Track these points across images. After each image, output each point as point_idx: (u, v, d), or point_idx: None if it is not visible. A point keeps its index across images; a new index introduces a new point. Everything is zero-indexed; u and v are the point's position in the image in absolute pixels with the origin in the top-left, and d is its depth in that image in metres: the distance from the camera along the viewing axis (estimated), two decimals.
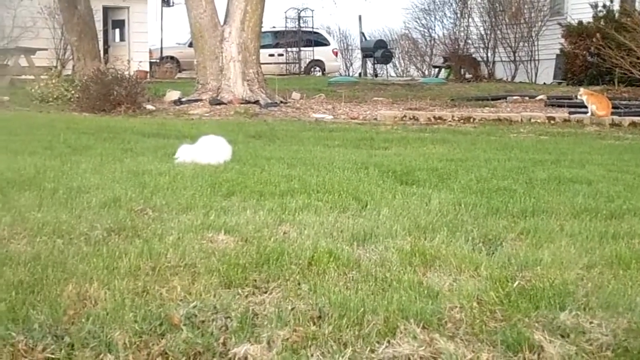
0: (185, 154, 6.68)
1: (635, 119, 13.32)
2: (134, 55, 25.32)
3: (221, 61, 15.76)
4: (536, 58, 24.67)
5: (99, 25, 22.48)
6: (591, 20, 20.91)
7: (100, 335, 2.70)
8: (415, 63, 33.21)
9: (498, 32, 25.52)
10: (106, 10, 26.62)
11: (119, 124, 10.94)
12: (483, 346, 2.76)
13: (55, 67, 20.83)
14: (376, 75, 30.16)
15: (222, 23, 16.00)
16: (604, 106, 13.59)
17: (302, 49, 30.07)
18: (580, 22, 21.53)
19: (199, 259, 3.50)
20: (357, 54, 34.01)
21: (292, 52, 30.04)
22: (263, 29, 18.07)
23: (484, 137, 10.78)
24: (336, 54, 32.14)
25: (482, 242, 3.98)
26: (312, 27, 31.12)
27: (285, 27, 30.37)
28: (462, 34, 26.91)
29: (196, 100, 15.57)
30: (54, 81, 15.47)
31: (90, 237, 3.85)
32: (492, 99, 17.35)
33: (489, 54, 25.85)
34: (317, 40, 30.73)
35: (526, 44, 24.83)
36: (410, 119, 13.72)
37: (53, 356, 2.61)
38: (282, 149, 8.35)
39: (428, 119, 13.64)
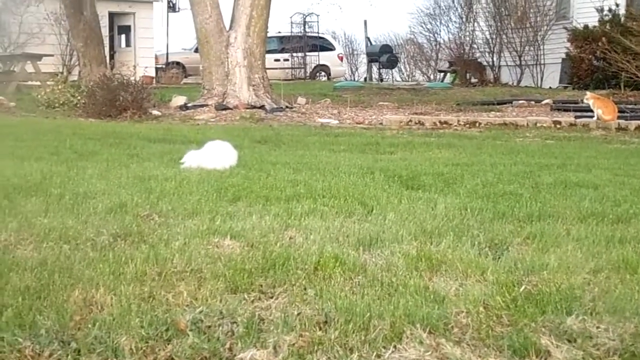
0: (192, 159, 6.69)
1: None
2: (140, 61, 25.40)
3: (227, 66, 15.79)
4: (542, 62, 24.65)
5: (105, 31, 22.57)
6: (597, 24, 20.89)
7: (106, 341, 2.70)
8: (421, 68, 33.20)
9: (504, 36, 25.52)
10: (112, 16, 26.72)
11: (125, 129, 10.96)
12: (490, 351, 2.75)
13: (62, 73, 20.90)
14: (381, 80, 30.15)
15: (227, 28, 16.04)
16: (610, 110, 13.57)
17: (307, 54, 30.11)
18: (586, 26, 21.51)
19: (205, 264, 3.50)
20: (363, 59, 34.03)
21: (297, 57, 30.08)
22: (268, 34, 18.10)
23: (489, 141, 10.77)
24: (341, 59, 32.17)
25: (488, 247, 3.98)
26: (318, 32, 31.16)
27: (291, 32, 30.42)
28: (467, 38, 26.92)
29: (202, 106, 15.60)
30: (60, 87, 15.53)
31: (97, 242, 3.85)
32: (498, 104, 17.34)
33: (495, 59, 25.84)
34: (322, 45, 30.76)
35: (532, 48, 24.81)
36: (416, 123, 13.72)
37: None
38: (288, 153, 8.35)
39: (434, 124, 13.64)
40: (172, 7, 30.11)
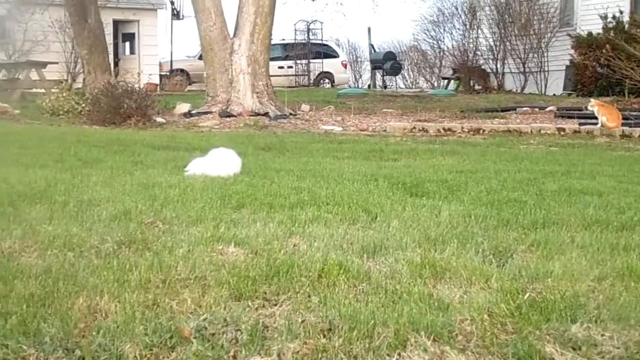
0: (196, 166, 6.70)
1: None
2: (144, 68, 25.46)
3: (231, 73, 15.81)
4: (546, 69, 24.65)
5: (110, 39, 22.64)
6: (601, 31, 20.88)
7: (110, 348, 2.70)
8: (425, 74, 33.21)
9: (507, 43, 25.51)
10: (116, 23, 26.82)
11: (129, 136, 10.98)
12: (494, 359, 2.75)
13: (66, 80, 20.99)
14: (385, 87, 30.18)
15: (231, 36, 16.07)
16: (614, 117, 13.56)
17: (311, 61, 30.16)
18: (589, 34, 21.51)
19: (209, 271, 3.50)
20: (366, 66, 34.06)
21: (301, 64, 30.14)
22: (272, 42, 18.13)
23: (493, 148, 10.77)
24: (345, 66, 32.21)
25: (492, 254, 3.97)
26: (321, 40, 31.22)
27: (295, 39, 30.48)
28: (471, 45, 26.90)
29: (206, 113, 15.62)
30: (64, 94, 15.56)
31: (101, 250, 3.86)
32: (502, 111, 17.33)
33: (499, 66, 25.84)
34: (326, 52, 30.82)
35: (535, 55, 24.81)
36: (420, 130, 13.72)
37: None
38: (292, 161, 8.36)
39: (437, 131, 13.63)
40: (176, 15, 30.19)
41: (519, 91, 24.68)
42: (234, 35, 16.05)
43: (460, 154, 9.44)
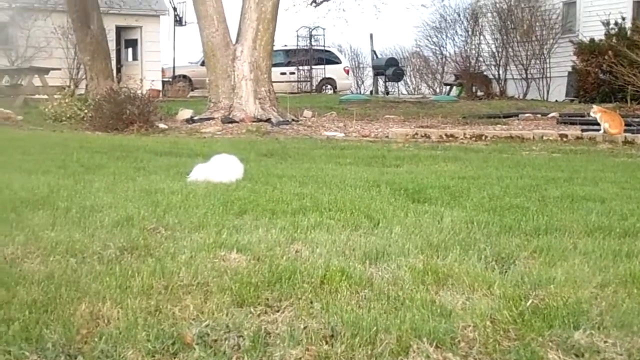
0: (198, 172, 6.71)
1: None
2: (147, 74, 25.48)
3: (233, 80, 15.83)
4: (548, 75, 24.67)
5: (112, 45, 22.67)
6: (603, 37, 20.91)
7: (113, 355, 2.70)
8: (427, 81, 33.26)
9: (509, 49, 25.54)
10: (119, 29, 26.85)
11: (132, 142, 10.99)
12: None
13: (69, 86, 21.01)
14: (387, 93, 30.19)
15: (234, 42, 16.10)
16: (616, 124, 13.56)
17: (313, 67, 30.19)
18: (592, 40, 21.53)
19: (211, 277, 3.50)
20: (369, 72, 34.09)
21: (303, 70, 30.17)
22: (275, 48, 18.16)
23: (496, 154, 10.76)
24: (347, 72, 32.24)
25: (495, 261, 3.97)
26: (324, 46, 31.25)
27: (297, 45, 30.52)
28: (473, 51, 26.96)
29: (208, 119, 15.63)
30: (67, 100, 15.59)
31: (103, 256, 3.86)
32: (504, 117, 17.34)
33: (501, 72, 25.86)
34: (328, 58, 30.85)
35: (538, 62, 24.84)
36: (422, 136, 13.73)
37: None
38: (294, 167, 8.36)
39: (440, 137, 13.64)
40: (178, 21, 30.24)
41: (521, 97, 24.70)
42: (237, 41, 16.08)
43: (463, 160, 9.44)
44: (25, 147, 9.46)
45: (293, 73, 29.85)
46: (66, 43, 23.96)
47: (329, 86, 30.78)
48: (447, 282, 3.56)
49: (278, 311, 3.15)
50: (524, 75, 25.05)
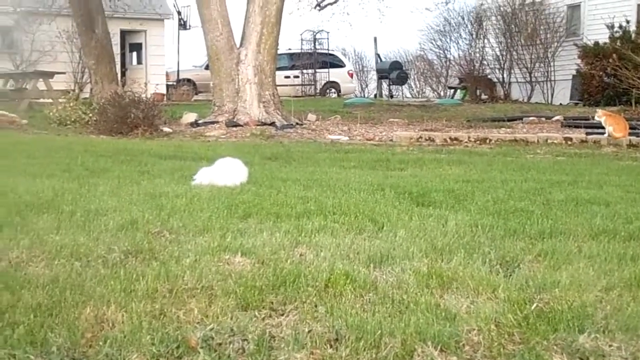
0: (203, 176, 6.72)
1: None
2: (151, 78, 25.55)
3: (237, 83, 15.85)
4: (552, 79, 24.65)
5: (117, 49, 22.70)
6: (607, 40, 20.88)
7: (117, 358, 2.71)
8: (431, 84, 33.24)
9: (514, 53, 25.54)
10: (124, 33, 26.92)
11: (136, 146, 11.00)
12: None
13: (73, 90, 21.07)
14: (392, 97, 30.20)
15: (238, 45, 16.12)
16: (621, 127, 13.54)
17: (317, 70, 30.20)
18: (596, 43, 21.51)
19: (215, 281, 3.50)
20: (373, 76, 34.09)
21: (307, 73, 30.17)
22: (279, 51, 18.18)
23: (500, 158, 10.75)
24: (351, 76, 32.24)
25: (499, 264, 3.97)
26: (328, 49, 31.26)
27: (301, 49, 30.53)
28: (477, 55, 26.94)
29: (212, 123, 15.65)
30: (71, 104, 15.62)
31: (108, 259, 3.86)
32: (508, 120, 17.33)
33: (505, 75, 25.85)
34: (332, 62, 30.85)
35: (542, 65, 24.82)
36: (426, 140, 13.72)
37: None
38: (298, 170, 8.36)
39: (444, 140, 13.63)
40: (183, 25, 30.30)
41: (525, 101, 24.68)
42: (241, 45, 16.10)
43: (467, 164, 9.44)
44: (30, 150, 9.48)
45: (297, 77, 29.86)
46: (71, 47, 24.02)
47: (333, 90, 30.79)
48: (451, 285, 3.56)
49: (282, 315, 3.15)
50: (528, 79, 25.03)
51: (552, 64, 24.60)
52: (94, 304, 3.14)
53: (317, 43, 30.85)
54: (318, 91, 30.10)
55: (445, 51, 30.54)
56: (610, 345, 2.90)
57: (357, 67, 35.71)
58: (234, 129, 15.02)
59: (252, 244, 4.21)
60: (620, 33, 20.74)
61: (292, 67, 29.87)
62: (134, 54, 28.60)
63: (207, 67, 20.99)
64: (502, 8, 25.99)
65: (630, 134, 13.54)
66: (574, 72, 22.86)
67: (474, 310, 3.23)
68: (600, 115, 13.97)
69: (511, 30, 25.68)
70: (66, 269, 3.67)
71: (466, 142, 13.49)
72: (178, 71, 29.23)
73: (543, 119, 17.62)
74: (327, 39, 31.15)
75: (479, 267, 3.85)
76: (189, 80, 28.90)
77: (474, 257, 4.05)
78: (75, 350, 2.76)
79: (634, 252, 4.24)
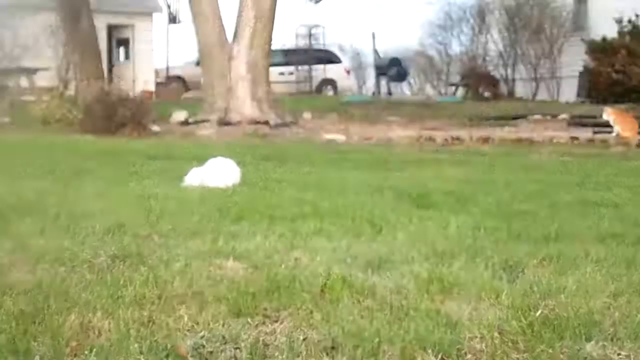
0: (193, 177, 6.72)
1: None
2: (139, 75, 25.53)
3: (229, 80, 15.86)
4: (558, 75, 24.69)
5: (103, 44, 22.69)
6: (616, 35, 20.92)
7: None
8: (431, 81, 33.30)
9: (518, 48, 25.58)
10: (110, 28, 26.86)
11: (124, 146, 11.00)
12: None
13: (58, 87, 21.01)
14: (390, 94, 30.18)
15: (230, 41, 16.12)
16: (630, 126, 13.59)
17: (313, 67, 30.18)
18: (604, 38, 21.55)
19: (206, 286, 3.50)
20: (371, 72, 34.09)
21: (302, 70, 30.17)
22: (273, 47, 18.18)
23: (503, 158, 10.78)
24: (348, 72, 32.24)
25: (502, 269, 3.97)
26: (324, 45, 31.25)
27: (296, 44, 30.52)
28: (480, 50, 27.00)
29: (203, 121, 15.66)
30: (56, 102, 15.62)
31: (94, 264, 3.86)
32: (512, 119, 17.36)
33: (509, 72, 25.89)
34: (328, 58, 30.83)
35: (547, 61, 24.86)
36: (427, 139, 13.75)
37: None
38: (293, 171, 8.37)
39: (445, 140, 13.66)
40: (172, 19, 30.27)
41: (530, 98, 24.72)
42: (233, 40, 16.11)
43: (469, 164, 9.46)
44: (11, 151, 9.47)
45: (292, 73, 29.84)
46: (55, 42, 23.97)
47: (329, 87, 30.77)
48: (453, 291, 3.56)
49: (276, 322, 3.15)
50: (533, 76, 25.07)
51: (558, 60, 24.64)
52: (79, 311, 3.14)
53: (312, 38, 30.84)
54: (314, 88, 30.09)
55: (446, 47, 30.63)
56: (618, 354, 2.91)
57: (355, 63, 35.72)
58: (226, 127, 15.03)
59: (245, 248, 4.21)
60: (630, 27, 20.79)
61: (287, 64, 29.84)
62: (121, 49, 28.55)
63: (198, 64, 20.96)
64: (505, 1, 26.04)
65: (639, 133, 13.57)
66: (581, 69, 22.90)
67: (476, 316, 3.23)
68: (609, 113, 14.02)
69: (515, 25, 25.71)
70: (50, 274, 3.66)
71: (468, 141, 13.53)
72: (167, 68, 29.21)
73: (548, 117, 17.65)
74: (323, 34, 31.18)
75: (481, 272, 3.86)
76: (179, 77, 28.87)
77: (476, 261, 4.05)
78: (59, 359, 2.75)
79: None
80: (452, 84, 29.95)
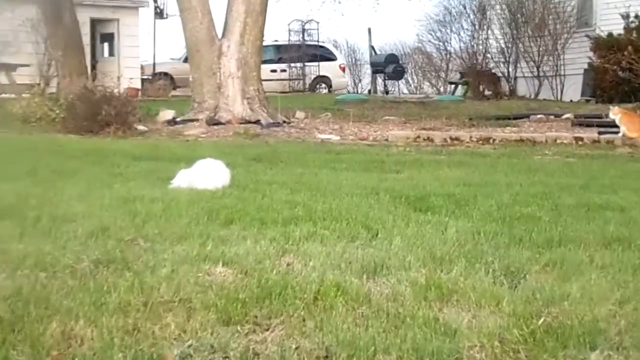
0: (181, 178, 6.72)
1: None
2: (124, 72, 25.42)
3: (219, 78, 15.84)
4: (562, 73, 24.73)
5: (86, 39, 22.64)
6: (622, 32, 20.97)
7: None
8: (430, 79, 33.38)
9: (520, 45, 25.61)
10: (94, 22, 26.81)
11: (108, 146, 10.99)
12: None
13: (39, 84, 20.94)
14: (387, 93, 30.25)
15: (220, 37, 16.11)
16: (636, 127, 13.61)
17: (306, 64, 30.21)
18: (610, 34, 21.59)
19: (194, 293, 3.50)
20: (367, 70, 34.18)
21: (295, 67, 30.19)
22: (264, 43, 18.18)
23: (505, 159, 10.79)
24: (344, 70, 32.28)
25: (503, 275, 3.98)
26: (318, 41, 31.28)
27: (289, 40, 30.55)
28: (480, 47, 27.01)
29: (192, 120, 15.64)
30: (37, 100, 15.56)
31: (76, 270, 3.86)
32: (514, 118, 17.39)
33: (510, 69, 25.92)
34: (322, 54, 30.87)
35: (551, 58, 24.89)
36: (425, 139, 13.76)
37: None
38: (285, 172, 8.38)
39: (444, 140, 13.68)
40: (159, 14, 30.26)
41: (532, 97, 24.75)
42: (223, 36, 16.09)
43: (469, 166, 9.47)
44: None
45: (284, 71, 29.88)
46: (36, 37, 23.89)
47: (324, 85, 30.81)
48: (451, 298, 3.57)
49: (267, 330, 3.16)
50: (536, 73, 25.11)
51: (561, 57, 24.68)
52: (60, 319, 3.13)
53: (306, 34, 30.86)
54: (307, 86, 30.12)
55: (446, 43, 30.69)
56: None
57: (350, 60, 35.81)
58: (216, 127, 15.02)
59: (235, 253, 4.21)
60: (637, 23, 20.83)
61: (279, 61, 29.87)
62: (106, 45, 28.49)
63: (186, 60, 20.96)
64: None
65: None
66: (586, 66, 22.94)
67: (476, 324, 3.24)
68: (615, 112, 14.03)
69: (517, 21, 25.75)
70: (30, 280, 3.66)
71: (468, 142, 13.54)
72: (154, 64, 29.19)
73: (552, 117, 17.68)
74: (317, 29, 31.21)
75: (481, 278, 3.87)
76: (166, 74, 28.85)
77: (476, 267, 4.06)
78: None
79: None
80: (452, 82, 30.00)
